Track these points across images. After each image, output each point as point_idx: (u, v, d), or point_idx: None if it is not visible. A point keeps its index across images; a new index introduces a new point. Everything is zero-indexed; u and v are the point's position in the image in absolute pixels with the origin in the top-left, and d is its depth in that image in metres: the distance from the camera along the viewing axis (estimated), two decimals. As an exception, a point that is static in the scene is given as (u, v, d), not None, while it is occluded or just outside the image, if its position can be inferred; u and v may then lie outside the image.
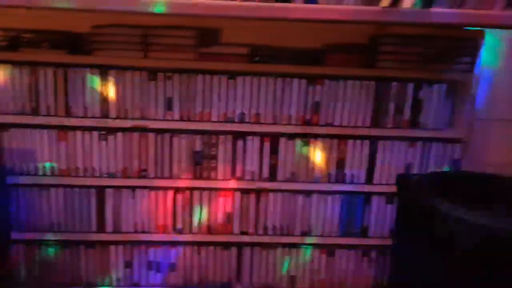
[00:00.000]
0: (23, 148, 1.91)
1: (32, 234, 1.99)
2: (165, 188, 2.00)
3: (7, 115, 1.88)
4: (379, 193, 2.08)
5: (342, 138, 2.01)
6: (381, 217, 2.10)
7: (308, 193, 2.05)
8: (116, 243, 2.04)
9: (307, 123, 1.98)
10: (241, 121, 1.96)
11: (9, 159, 1.92)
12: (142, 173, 1.98)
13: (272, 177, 2.02)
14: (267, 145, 1.99)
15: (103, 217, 2.01)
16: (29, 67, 1.86)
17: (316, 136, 2.00)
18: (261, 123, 1.96)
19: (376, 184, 2.06)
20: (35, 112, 1.89)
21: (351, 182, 2.05)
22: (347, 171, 2.04)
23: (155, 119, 1.94)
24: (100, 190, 1.98)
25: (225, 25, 1.98)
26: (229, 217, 2.05)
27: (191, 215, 2.03)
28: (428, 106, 2.01)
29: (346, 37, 2.00)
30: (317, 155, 2.01)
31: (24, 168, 1.93)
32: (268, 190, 2.03)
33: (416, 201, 1.93)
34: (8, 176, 1.92)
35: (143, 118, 1.93)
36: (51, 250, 2.01)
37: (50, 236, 2.00)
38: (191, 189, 2.01)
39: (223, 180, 2.01)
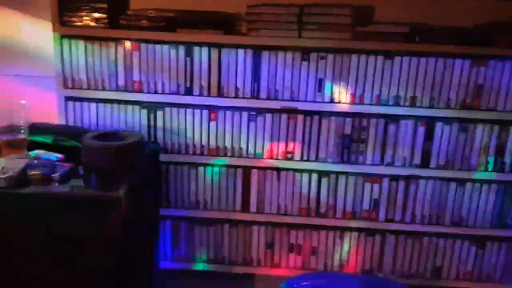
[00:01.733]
0: (176, 126, 1.95)
1: (180, 211, 2.04)
2: (310, 171, 1.97)
3: (163, 95, 1.92)
4: (542, 184, 1.91)
5: (505, 123, 1.86)
6: (540, 210, 1.94)
7: (462, 182, 1.93)
8: (258, 223, 2.04)
9: (467, 107, 1.85)
10: (396, 104, 1.87)
11: (162, 137, 1.96)
12: (288, 155, 1.96)
13: (425, 163, 1.92)
14: (421, 129, 1.89)
15: (248, 197, 2.01)
16: (185, 48, 1.87)
17: (476, 121, 1.86)
18: (417, 107, 1.86)
19: (539, 175, 1.90)
20: (189, 92, 1.91)
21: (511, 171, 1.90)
22: (507, 159, 1.89)
23: (305, 101, 1.90)
24: (247, 170, 1.99)
25: (380, 2, 1.88)
26: (375, 204, 1.98)
27: (335, 200, 1.99)
28: None
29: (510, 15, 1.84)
30: (475, 142, 1.88)
31: (175, 146, 1.97)
32: (419, 177, 1.93)
33: None
34: (160, 154, 1.97)
35: (292, 99, 1.90)
36: (197, 227, 2.06)
37: (196, 214, 2.03)
38: (337, 173, 1.96)
39: (371, 165, 1.94)
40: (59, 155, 1.65)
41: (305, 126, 1.92)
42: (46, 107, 1.93)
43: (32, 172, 1.48)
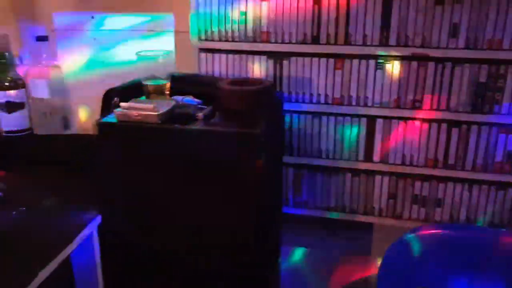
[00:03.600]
0: (301, 76, 1.99)
1: (302, 158, 2.09)
2: (440, 121, 1.92)
3: (289, 44, 1.96)
4: None
5: None
6: None
7: None
8: (382, 173, 2.04)
9: None
10: (540, 48, 1.74)
11: (287, 86, 2.02)
12: (416, 104, 1.92)
13: None
14: None
15: (372, 146, 2.01)
16: (313, -5, 1.89)
17: None
18: None
19: None
20: (315, 40, 1.93)
21: None
22: None
23: (437, 47, 1.83)
24: (371, 119, 1.98)
25: None
26: (509, 156, 1.88)
27: (465, 151, 1.92)
28: None
29: None
30: None
31: (299, 95, 2.01)
32: None
33: None
34: (285, 103, 2.02)
35: (423, 45, 1.84)
36: (318, 175, 2.10)
37: (319, 162, 2.08)
38: (469, 123, 1.89)
39: (507, 115, 1.84)
40: (198, 100, 1.76)
41: (436, 73, 1.87)
42: (181, 58, 2.06)
43: (179, 111, 1.61)
